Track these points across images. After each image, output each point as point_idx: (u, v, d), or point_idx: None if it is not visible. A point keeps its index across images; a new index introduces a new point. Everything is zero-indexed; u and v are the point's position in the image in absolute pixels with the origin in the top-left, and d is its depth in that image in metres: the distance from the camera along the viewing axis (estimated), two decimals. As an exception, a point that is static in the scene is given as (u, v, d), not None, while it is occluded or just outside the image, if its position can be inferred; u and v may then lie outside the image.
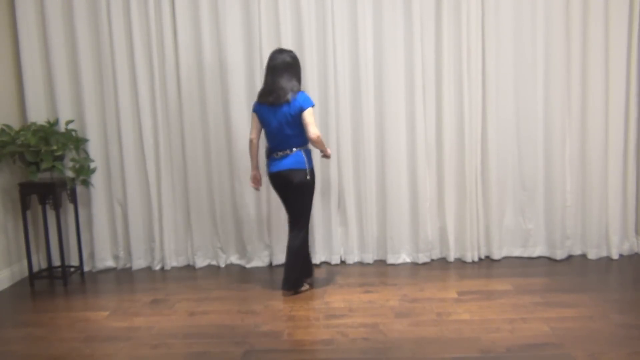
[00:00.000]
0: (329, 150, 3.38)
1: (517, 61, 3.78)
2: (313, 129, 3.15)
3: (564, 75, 3.73)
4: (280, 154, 3.26)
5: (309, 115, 3.16)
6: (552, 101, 3.77)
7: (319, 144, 3.22)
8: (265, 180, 3.90)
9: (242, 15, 3.81)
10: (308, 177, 3.26)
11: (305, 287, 3.41)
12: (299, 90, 3.23)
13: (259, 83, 3.81)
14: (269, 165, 3.34)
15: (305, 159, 3.26)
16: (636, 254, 3.94)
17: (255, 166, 3.44)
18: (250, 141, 3.37)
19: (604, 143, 3.80)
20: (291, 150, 3.25)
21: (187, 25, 3.81)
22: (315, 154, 3.49)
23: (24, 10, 3.78)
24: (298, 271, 3.35)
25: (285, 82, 3.19)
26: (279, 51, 3.28)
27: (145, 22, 3.80)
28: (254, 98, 3.82)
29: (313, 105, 3.22)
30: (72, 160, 3.84)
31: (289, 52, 3.28)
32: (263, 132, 3.37)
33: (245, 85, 3.86)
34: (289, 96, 3.17)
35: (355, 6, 3.73)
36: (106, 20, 3.79)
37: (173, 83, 3.86)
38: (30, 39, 3.82)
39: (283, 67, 3.21)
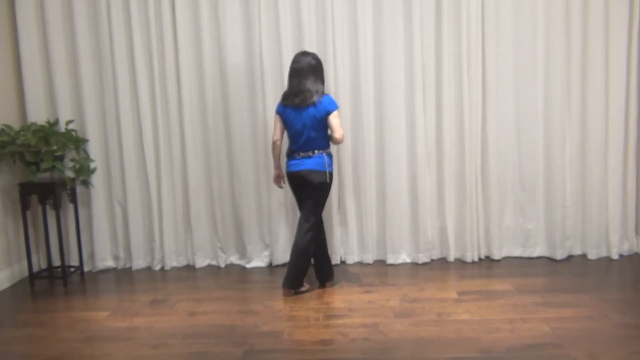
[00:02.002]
0: None
1: (517, 61, 3.79)
2: (340, 131, 3.20)
3: (564, 75, 3.74)
4: (302, 154, 3.30)
5: (335, 118, 3.22)
6: (552, 101, 3.78)
7: (338, 143, 3.26)
8: (267, 180, 3.91)
9: (242, 16, 3.81)
10: (327, 180, 3.30)
11: (305, 287, 3.41)
12: (324, 92, 3.28)
13: (258, 83, 3.81)
14: (289, 165, 3.37)
15: (327, 162, 3.30)
16: (636, 254, 3.95)
17: (278, 166, 3.49)
18: (274, 143, 3.39)
19: (604, 143, 3.80)
20: (313, 153, 3.28)
21: (187, 25, 3.81)
22: (335, 158, 3.57)
23: (24, 10, 3.78)
24: (301, 271, 3.34)
25: (312, 85, 3.23)
26: (304, 53, 3.32)
27: (145, 22, 3.81)
28: (254, 98, 3.85)
29: (337, 108, 3.27)
30: (72, 160, 3.84)
31: (313, 55, 3.31)
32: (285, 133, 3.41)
33: (245, 85, 3.86)
34: (315, 98, 3.21)
35: (355, 6, 3.73)
36: (106, 20, 3.80)
37: (173, 83, 3.86)
38: (30, 39, 3.82)
39: (309, 69, 3.24)
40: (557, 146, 3.80)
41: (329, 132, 3.29)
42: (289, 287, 3.34)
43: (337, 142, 3.23)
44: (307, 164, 3.28)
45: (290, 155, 3.37)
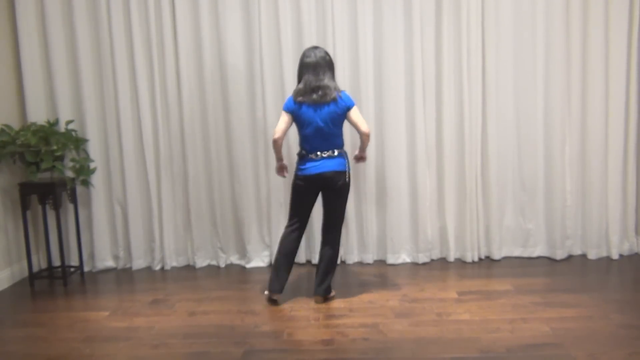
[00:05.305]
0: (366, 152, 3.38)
1: (517, 61, 3.79)
2: (366, 125, 3.12)
3: (564, 75, 3.74)
4: (321, 154, 3.11)
5: (357, 112, 3.12)
6: (552, 101, 3.78)
7: (368, 139, 3.16)
8: (267, 180, 3.91)
9: (242, 15, 3.81)
10: (347, 180, 3.16)
11: (333, 292, 3.31)
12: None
13: (258, 83, 3.81)
14: (307, 167, 3.12)
15: (346, 161, 3.18)
16: (636, 254, 3.95)
17: (281, 157, 3.26)
18: (277, 140, 3.11)
19: (604, 143, 3.80)
20: (333, 152, 3.12)
21: (187, 25, 3.81)
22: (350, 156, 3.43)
23: (24, 10, 3.78)
24: (332, 278, 3.25)
25: (329, 81, 3.09)
26: (316, 48, 3.16)
27: (145, 22, 3.81)
28: (254, 98, 3.85)
29: (355, 103, 3.17)
30: (72, 160, 3.84)
31: (324, 50, 3.17)
32: (297, 133, 3.22)
33: (245, 85, 3.86)
34: (335, 94, 3.07)
35: (355, 6, 3.73)
36: (106, 20, 3.80)
37: (173, 83, 3.86)
38: (30, 39, 3.82)
39: (324, 65, 3.10)
40: (557, 146, 3.80)
41: (357, 128, 3.14)
42: (323, 294, 3.21)
43: (365, 136, 3.11)
44: (331, 165, 3.10)
45: (306, 156, 3.13)
